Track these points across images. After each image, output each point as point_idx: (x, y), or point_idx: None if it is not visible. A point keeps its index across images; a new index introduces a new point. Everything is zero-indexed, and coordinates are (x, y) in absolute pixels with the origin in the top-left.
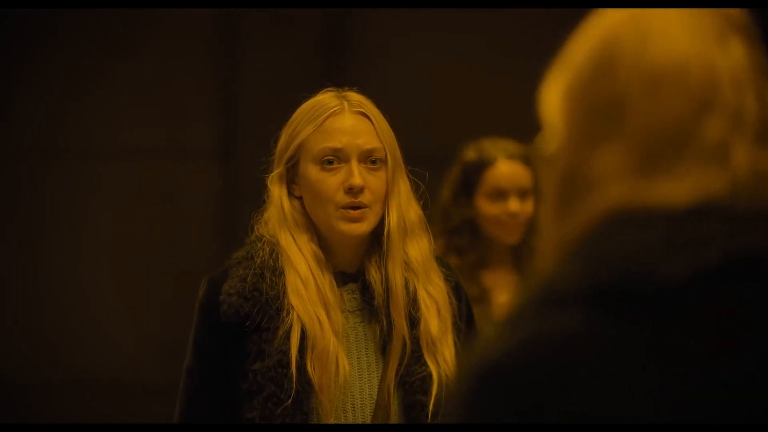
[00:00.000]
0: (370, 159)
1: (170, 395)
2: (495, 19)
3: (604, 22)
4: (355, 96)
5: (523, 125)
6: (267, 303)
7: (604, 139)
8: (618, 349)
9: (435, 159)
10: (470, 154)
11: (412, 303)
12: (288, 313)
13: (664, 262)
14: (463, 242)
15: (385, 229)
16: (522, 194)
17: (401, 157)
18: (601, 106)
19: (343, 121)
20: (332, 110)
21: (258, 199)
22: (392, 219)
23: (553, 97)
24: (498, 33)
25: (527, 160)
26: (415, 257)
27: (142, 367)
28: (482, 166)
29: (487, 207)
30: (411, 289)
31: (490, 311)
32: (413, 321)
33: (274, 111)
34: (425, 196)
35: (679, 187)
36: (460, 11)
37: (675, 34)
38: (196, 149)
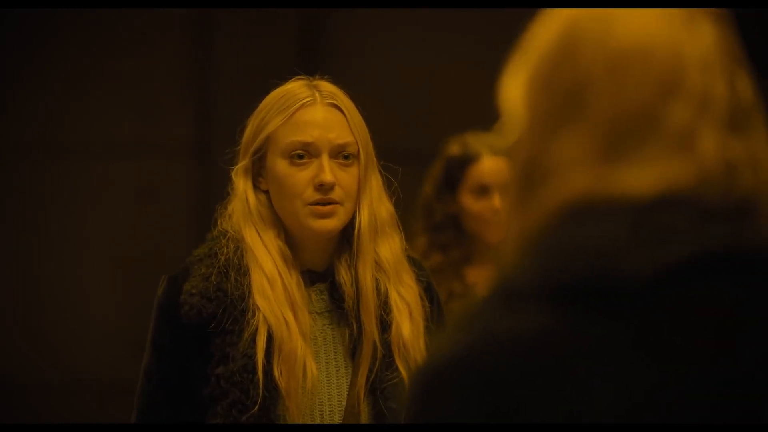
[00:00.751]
0: (342, 154)
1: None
2: (472, 16)
3: (566, 10)
4: (327, 86)
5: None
6: (232, 304)
7: (566, 126)
8: (576, 350)
9: (411, 155)
10: (454, 148)
11: (383, 305)
12: (253, 314)
13: (628, 256)
14: (446, 239)
15: (356, 228)
16: (507, 191)
17: (374, 152)
18: (563, 90)
19: (314, 113)
20: (303, 101)
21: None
22: (363, 217)
23: (515, 84)
24: (475, 30)
25: None
26: (387, 257)
27: (116, 366)
28: (466, 161)
29: (470, 203)
30: (382, 290)
31: None
32: (384, 324)
33: (250, 106)
34: (397, 193)
35: (643, 176)
36: (438, 9)
37: (640, 16)
38: (173, 145)
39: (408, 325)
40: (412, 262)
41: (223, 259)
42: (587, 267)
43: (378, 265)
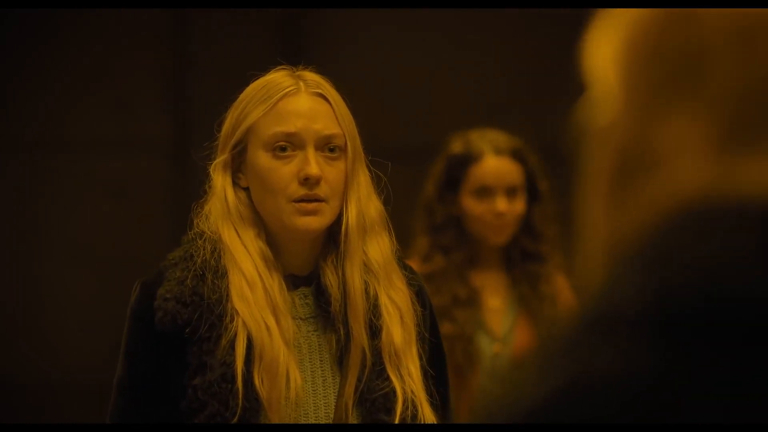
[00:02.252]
0: (328, 146)
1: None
2: (449, 15)
3: None
4: (311, 76)
5: (481, 121)
6: (208, 308)
7: (678, 104)
8: (692, 393)
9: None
10: (456, 146)
11: (373, 310)
12: (232, 319)
13: (760, 279)
14: (448, 241)
15: (343, 227)
16: (510, 192)
17: (361, 146)
18: (675, 60)
19: (298, 103)
20: (286, 90)
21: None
22: (351, 215)
23: (606, 51)
24: (453, 30)
25: (518, 155)
26: (376, 258)
27: (95, 367)
28: (468, 160)
29: (472, 205)
30: (371, 293)
31: (479, 315)
32: (374, 330)
33: (228, 103)
34: (387, 190)
35: None
36: (415, 9)
37: None
38: (149, 142)
39: (399, 330)
40: (402, 265)
41: (199, 261)
42: (709, 289)
43: (366, 266)
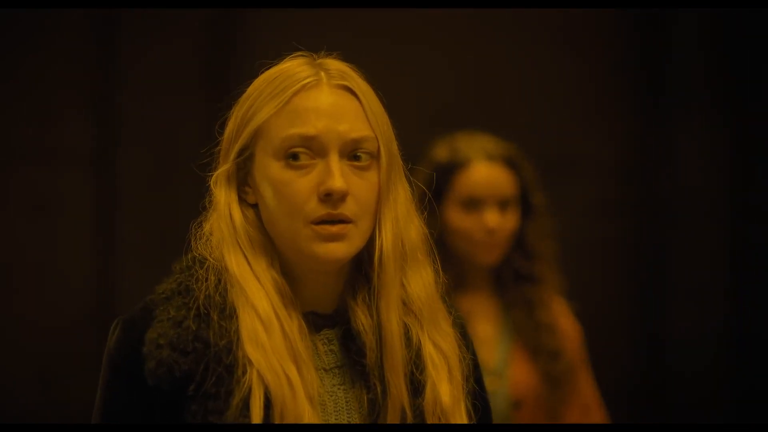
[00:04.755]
0: (355, 153)
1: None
2: (390, 16)
3: None
4: (336, 64)
5: (421, 128)
6: (215, 357)
7: None
8: None
9: None
10: (441, 152)
11: (415, 360)
12: (244, 371)
13: None
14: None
15: (376, 254)
16: (502, 205)
17: (399, 152)
18: None
19: (318, 98)
20: (303, 83)
21: (137, 209)
22: (386, 239)
23: None
24: (392, 31)
25: (510, 163)
26: (418, 294)
27: (14, 393)
28: (453, 168)
29: (458, 219)
30: (414, 340)
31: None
32: (415, 386)
33: (154, 113)
34: (428, 208)
35: None
36: (353, 10)
37: None
38: (70, 153)
39: (447, 386)
40: (444, 299)
41: (202, 296)
42: None
43: (406, 305)
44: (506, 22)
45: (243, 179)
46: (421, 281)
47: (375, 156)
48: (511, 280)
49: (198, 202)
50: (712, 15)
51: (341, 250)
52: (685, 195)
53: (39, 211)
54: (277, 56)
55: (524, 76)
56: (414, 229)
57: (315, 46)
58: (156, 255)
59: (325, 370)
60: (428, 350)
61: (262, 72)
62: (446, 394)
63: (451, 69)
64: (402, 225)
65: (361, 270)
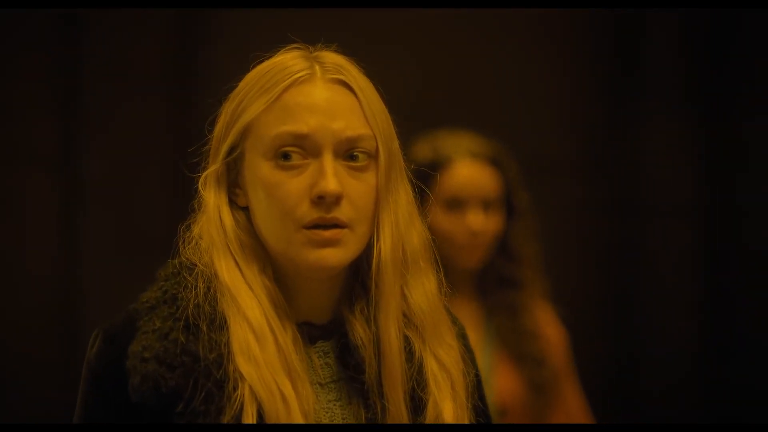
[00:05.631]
0: (351, 153)
1: None
2: (365, 14)
3: None
4: (332, 57)
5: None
6: (205, 372)
7: None
8: None
9: None
10: (422, 150)
11: (416, 376)
12: (236, 386)
13: None
14: None
15: (374, 262)
16: (486, 206)
17: (400, 152)
18: None
19: (312, 93)
20: (296, 77)
21: (102, 208)
22: (385, 245)
23: None
24: (367, 29)
25: (494, 162)
26: (420, 305)
27: None
28: (435, 167)
29: (439, 220)
30: (416, 355)
31: None
32: (417, 403)
33: (118, 112)
34: (430, 211)
35: None
36: (317, 11)
37: None
38: (34, 153)
39: (450, 404)
40: (447, 310)
41: (190, 306)
42: None
43: (407, 317)
44: (479, 20)
45: (233, 180)
46: (423, 290)
47: (373, 156)
48: (494, 284)
49: (165, 201)
50: (686, 17)
51: (335, 256)
52: (657, 194)
53: (1, 211)
54: (244, 54)
55: (498, 75)
56: (416, 234)
57: (283, 42)
58: (121, 255)
59: (320, 384)
60: (430, 365)
61: (255, 65)
62: (449, 413)
63: (420, 67)
64: (403, 230)
65: (359, 278)
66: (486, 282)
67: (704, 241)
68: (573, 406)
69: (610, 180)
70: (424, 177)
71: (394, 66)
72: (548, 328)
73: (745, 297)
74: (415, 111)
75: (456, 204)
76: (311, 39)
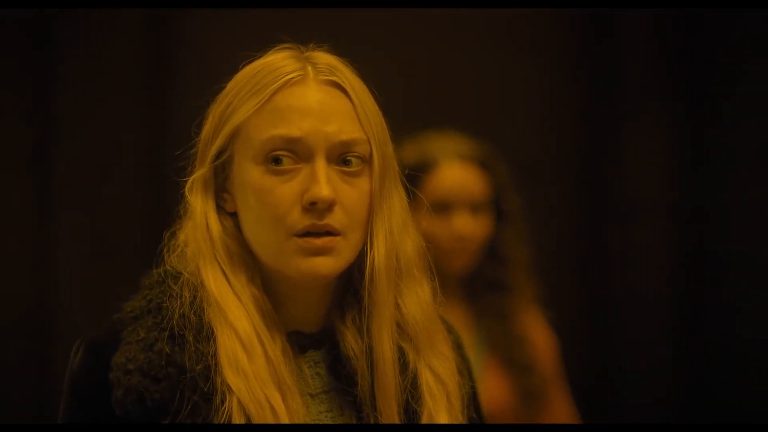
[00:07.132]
0: (344, 158)
1: None
2: (346, 15)
3: None
4: (325, 57)
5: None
6: (191, 384)
7: None
8: None
9: None
10: (408, 152)
11: (410, 389)
12: (223, 399)
13: None
14: None
15: (367, 270)
16: (473, 209)
17: (394, 156)
18: None
19: (304, 95)
20: (287, 78)
21: (75, 212)
22: (378, 253)
23: None
24: (349, 31)
25: (483, 164)
26: (414, 315)
27: None
28: (422, 169)
29: (426, 224)
30: (410, 366)
31: None
32: (411, 416)
33: (91, 114)
34: (424, 218)
35: None
36: (290, 11)
37: None
38: (7, 157)
39: (445, 416)
40: (442, 319)
41: (176, 315)
42: None
43: (400, 326)
44: (461, 21)
45: (221, 185)
46: (417, 300)
47: (367, 160)
48: (483, 289)
49: (139, 205)
50: (666, 17)
51: (327, 265)
52: (640, 196)
53: None
54: (219, 55)
55: (481, 76)
56: (410, 241)
57: (261, 44)
58: (94, 259)
59: (311, 395)
60: (425, 377)
61: (244, 65)
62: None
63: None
64: (397, 238)
65: (351, 287)
66: (475, 286)
67: (691, 243)
68: (561, 413)
69: (591, 182)
70: (411, 180)
71: (377, 67)
72: (537, 334)
73: (736, 299)
74: (400, 113)
75: (443, 207)
76: (295, 40)
